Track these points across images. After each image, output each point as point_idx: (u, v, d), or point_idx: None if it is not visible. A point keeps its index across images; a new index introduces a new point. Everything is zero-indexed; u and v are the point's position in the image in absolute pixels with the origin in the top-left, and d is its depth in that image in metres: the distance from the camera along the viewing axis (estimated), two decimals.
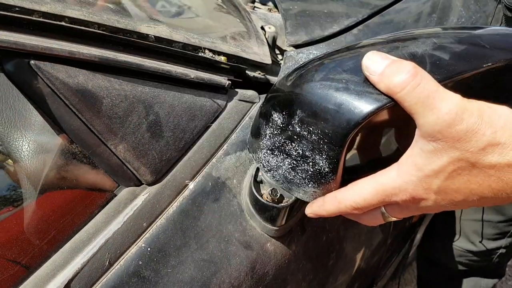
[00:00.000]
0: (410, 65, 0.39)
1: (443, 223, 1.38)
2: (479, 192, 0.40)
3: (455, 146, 0.38)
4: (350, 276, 0.81)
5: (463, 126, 0.37)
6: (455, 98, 0.38)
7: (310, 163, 0.48)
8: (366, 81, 0.42)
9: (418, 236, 1.43)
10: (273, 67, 0.78)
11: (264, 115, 0.51)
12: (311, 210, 0.51)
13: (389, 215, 0.46)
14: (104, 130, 0.48)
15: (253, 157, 0.56)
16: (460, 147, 0.37)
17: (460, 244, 1.34)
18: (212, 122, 0.61)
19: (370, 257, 0.88)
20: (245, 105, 0.66)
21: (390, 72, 0.40)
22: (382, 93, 0.41)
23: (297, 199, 0.56)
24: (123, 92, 0.50)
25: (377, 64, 0.41)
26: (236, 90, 0.67)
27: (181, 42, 0.60)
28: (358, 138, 0.57)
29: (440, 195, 0.41)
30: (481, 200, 0.40)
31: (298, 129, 0.46)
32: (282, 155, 0.50)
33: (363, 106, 0.41)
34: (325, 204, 0.49)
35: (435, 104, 0.38)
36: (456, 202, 0.41)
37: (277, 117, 0.48)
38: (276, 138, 0.50)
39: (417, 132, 0.40)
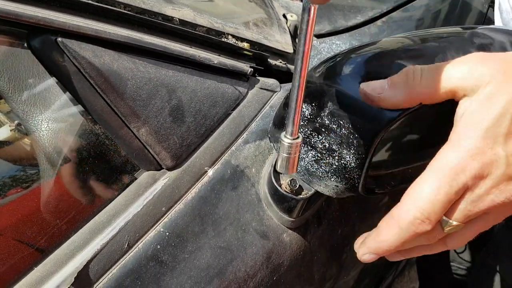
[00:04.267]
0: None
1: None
2: None
3: (508, 77, 0.34)
4: (361, 271, 0.81)
5: (502, 54, 0.34)
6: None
7: (336, 157, 0.47)
8: None
9: None
10: (294, 56, 0.77)
11: None
12: (365, 249, 0.40)
13: (448, 219, 0.37)
14: (128, 112, 0.48)
15: (274, 146, 0.56)
16: None
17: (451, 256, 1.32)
18: (233, 110, 0.60)
19: None
20: (266, 94, 0.65)
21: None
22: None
23: (315, 192, 0.55)
24: (147, 75, 0.49)
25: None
26: (258, 78, 0.66)
27: (205, 27, 0.59)
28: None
29: (511, 145, 0.34)
30: None
31: (327, 122, 0.45)
32: (306, 146, 0.50)
33: None
34: (381, 233, 0.39)
35: (458, 62, 0.36)
36: None
37: (304, 108, 0.48)
38: (301, 130, 0.49)
39: (464, 100, 0.36)
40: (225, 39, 0.62)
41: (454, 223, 0.37)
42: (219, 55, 0.60)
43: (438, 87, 0.37)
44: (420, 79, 0.38)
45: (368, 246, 0.40)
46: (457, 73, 0.36)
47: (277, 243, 0.57)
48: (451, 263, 1.30)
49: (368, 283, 0.91)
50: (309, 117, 0.48)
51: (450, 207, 0.36)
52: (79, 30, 0.44)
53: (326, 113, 0.46)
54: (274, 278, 0.57)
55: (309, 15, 0.36)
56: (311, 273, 0.64)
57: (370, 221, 0.75)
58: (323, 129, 0.47)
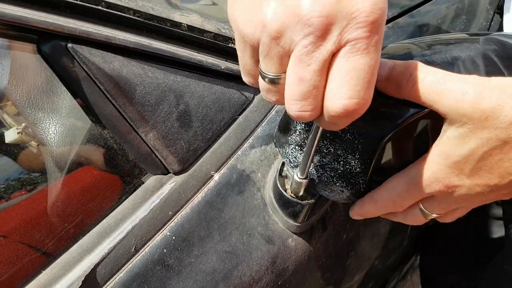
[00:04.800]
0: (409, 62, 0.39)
1: (439, 240, 1.36)
2: None
3: (483, 126, 0.36)
4: (365, 275, 0.81)
5: (487, 103, 0.36)
6: (470, 78, 0.37)
7: (341, 162, 0.47)
8: None
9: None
10: None
11: None
12: (353, 212, 0.52)
13: (428, 212, 0.44)
14: (136, 117, 0.48)
15: (279, 151, 0.56)
16: (489, 126, 0.36)
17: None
18: (239, 115, 0.61)
19: (386, 257, 0.88)
20: None
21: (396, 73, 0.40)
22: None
23: (321, 197, 0.55)
24: (156, 80, 0.50)
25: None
26: None
27: (213, 32, 0.60)
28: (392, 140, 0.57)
29: (474, 180, 0.39)
30: None
31: None
32: None
33: (403, 108, 0.41)
34: (364, 205, 0.49)
35: (449, 88, 0.37)
36: (492, 185, 0.39)
37: None
38: (306, 135, 0.49)
39: (444, 122, 0.40)
40: (232, 45, 0.62)
41: (434, 215, 0.44)
42: (226, 61, 0.61)
43: (423, 102, 0.39)
44: (411, 88, 0.39)
45: (356, 212, 0.51)
46: (442, 101, 0.37)
47: (282, 247, 0.57)
48: (455, 268, 1.29)
49: (371, 287, 0.91)
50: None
51: (428, 204, 0.44)
52: (89, 36, 0.45)
53: None
54: (279, 283, 0.57)
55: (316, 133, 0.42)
56: (315, 278, 0.64)
57: (374, 226, 0.75)
58: (328, 134, 0.47)
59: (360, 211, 0.50)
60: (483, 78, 0.38)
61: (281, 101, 0.36)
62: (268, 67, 0.34)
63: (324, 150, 0.49)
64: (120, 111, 0.47)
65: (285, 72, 0.33)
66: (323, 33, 0.30)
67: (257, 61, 0.36)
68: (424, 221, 0.46)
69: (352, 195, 0.51)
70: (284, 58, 0.33)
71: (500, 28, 1.02)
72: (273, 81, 0.34)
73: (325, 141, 0.48)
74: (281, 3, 0.30)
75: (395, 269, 1.08)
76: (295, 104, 0.34)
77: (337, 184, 0.50)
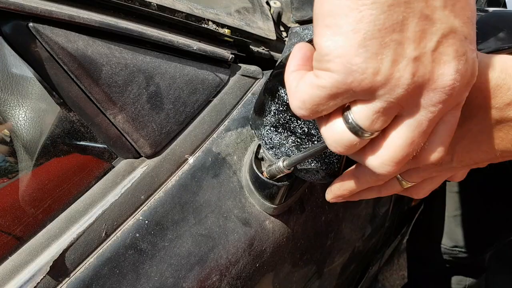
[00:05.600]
0: None
1: (428, 222, 1.37)
2: (502, 147, 0.37)
3: (478, 106, 0.35)
4: (347, 258, 0.81)
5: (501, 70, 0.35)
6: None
7: (315, 142, 0.47)
8: None
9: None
10: (277, 44, 0.76)
11: (270, 91, 0.50)
12: (331, 194, 0.49)
13: (405, 181, 0.43)
14: (103, 99, 0.47)
15: (255, 133, 0.55)
16: (485, 106, 0.35)
17: (445, 241, 1.33)
18: (214, 97, 0.60)
19: (368, 239, 0.88)
20: (248, 81, 0.64)
21: None
22: None
23: (297, 178, 0.55)
24: (124, 61, 0.49)
25: None
26: (239, 65, 0.65)
27: (184, 12, 0.58)
28: None
29: (462, 157, 0.39)
30: (504, 154, 0.38)
31: None
32: (286, 132, 0.49)
33: None
34: (344, 184, 0.46)
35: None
36: (478, 160, 0.39)
37: (284, 93, 0.47)
38: (281, 115, 0.49)
39: None
40: (205, 25, 0.61)
41: (410, 183, 0.44)
42: (199, 41, 0.59)
43: None
44: None
45: (335, 193, 0.48)
46: None
47: (259, 230, 0.57)
48: (443, 251, 1.31)
49: (353, 269, 0.91)
50: (288, 102, 0.47)
51: (407, 174, 0.43)
52: (51, 15, 0.43)
53: None
54: (257, 265, 0.57)
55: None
56: (294, 260, 0.64)
57: (354, 208, 0.75)
58: None
59: (340, 191, 0.48)
60: (484, 54, 0.37)
61: (348, 154, 0.33)
62: (370, 124, 0.29)
63: (299, 130, 0.48)
64: (86, 92, 0.46)
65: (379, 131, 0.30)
66: (459, 101, 0.29)
67: (341, 106, 0.30)
68: (400, 190, 0.46)
69: (327, 175, 0.51)
70: (392, 118, 0.30)
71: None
72: (360, 136, 0.30)
73: (299, 121, 0.47)
74: (419, 65, 0.27)
75: (378, 251, 1.09)
76: (391, 166, 0.31)
77: (312, 164, 0.50)
